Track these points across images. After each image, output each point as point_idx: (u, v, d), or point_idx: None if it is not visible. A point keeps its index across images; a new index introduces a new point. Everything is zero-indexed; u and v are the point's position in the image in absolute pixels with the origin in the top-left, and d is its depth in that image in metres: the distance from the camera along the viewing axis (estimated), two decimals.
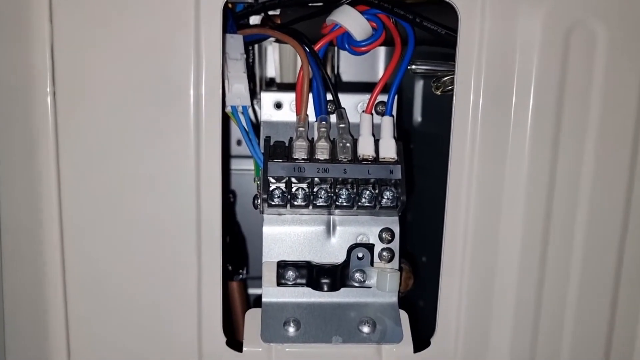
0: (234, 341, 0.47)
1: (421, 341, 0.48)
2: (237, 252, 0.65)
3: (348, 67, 0.75)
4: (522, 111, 0.46)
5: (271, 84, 0.73)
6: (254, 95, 0.51)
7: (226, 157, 0.71)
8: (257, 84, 0.65)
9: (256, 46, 0.66)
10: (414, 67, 0.51)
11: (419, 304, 0.63)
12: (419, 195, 0.63)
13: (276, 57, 0.67)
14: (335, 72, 0.73)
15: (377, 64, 0.76)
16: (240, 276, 0.65)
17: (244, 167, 0.71)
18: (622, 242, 0.48)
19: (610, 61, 0.45)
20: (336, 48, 0.54)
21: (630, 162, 0.47)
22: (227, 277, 0.65)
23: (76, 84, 0.44)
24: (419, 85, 0.72)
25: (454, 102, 0.46)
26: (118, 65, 0.43)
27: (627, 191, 0.47)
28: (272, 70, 0.73)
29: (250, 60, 0.66)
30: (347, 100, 0.50)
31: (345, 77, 0.75)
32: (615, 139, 0.46)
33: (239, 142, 0.73)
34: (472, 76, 0.45)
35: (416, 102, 0.73)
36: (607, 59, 0.45)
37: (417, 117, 0.73)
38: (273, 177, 0.46)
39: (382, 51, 0.75)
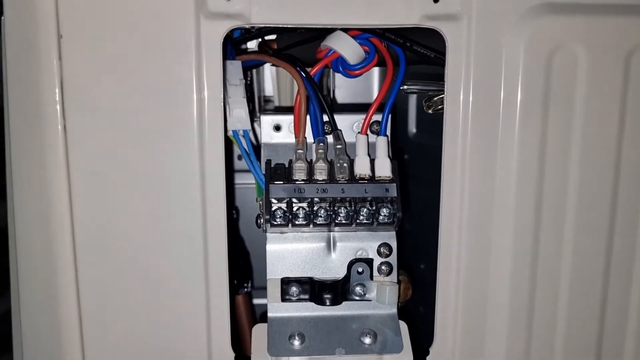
0: (242, 356, 0.50)
1: (421, 350, 0.50)
2: (242, 266, 0.67)
3: (344, 87, 0.77)
4: (509, 127, 0.48)
5: (268, 102, 0.75)
6: (253, 114, 0.53)
7: (230, 172, 0.73)
8: (256, 103, 0.67)
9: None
10: (405, 87, 0.54)
11: (419, 310, 0.65)
12: (415, 204, 0.65)
13: (274, 80, 0.69)
14: (331, 94, 0.75)
15: (371, 83, 0.78)
16: (245, 289, 0.67)
17: (245, 181, 0.73)
18: (611, 235, 0.51)
19: (592, 81, 0.47)
20: (331, 70, 0.56)
21: (616, 153, 0.50)
22: (233, 291, 0.67)
23: (86, 115, 0.46)
24: (412, 98, 0.74)
25: (444, 120, 0.48)
26: (123, 93, 0.46)
27: (612, 195, 0.50)
28: (269, 88, 0.75)
29: (248, 80, 0.68)
30: (343, 121, 0.53)
31: (341, 97, 0.77)
32: (599, 153, 0.49)
33: (239, 157, 0.75)
34: (461, 96, 0.47)
35: (410, 114, 0.75)
36: (588, 78, 0.47)
37: (412, 128, 0.75)
38: (275, 199, 0.48)
39: (376, 71, 0.77)
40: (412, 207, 0.66)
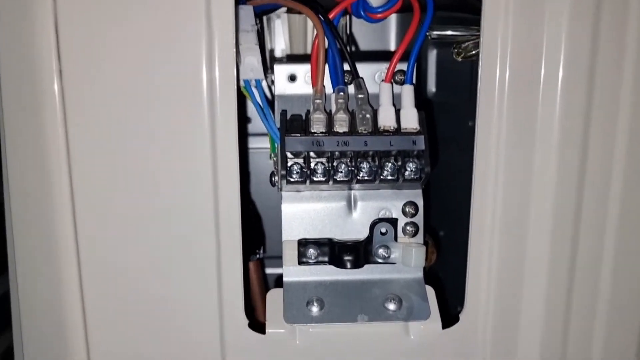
0: (256, 323, 0.46)
1: (449, 316, 0.47)
2: (253, 231, 0.64)
3: (358, 37, 0.72)
4: (552, 82, 0.43)
5: (280, 58, 0.70)
6: (265, 69, 0.49)
7: (243, 135, 0.69)
8: (267, 57, 0.63)
9: (264, 19, 0.64)
10: (433, 33, 0.49)
11: (439, 276, 0.62)
12: (436, 169, 0.61)
13: (285, 29, 0.64)
14: (349, 41, 0.70)
15: (388, 32, 0.73)
16: (257, 256, 0.63)
17: (257, 145, 0.70)
18: None
19: None
20: (348, 17, 0.52)
21: None
22: (244, 257, 0.63)
23: (84, 68, 0.42)
24: (432, 55, 0.70)
25: (479, 72, 0.43)
26: (127, 48, 0.41)
27: None
28: (280, 43, 0.70)
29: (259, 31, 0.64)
30: (364, 70, 0.48)
31: (356, 46, 0.72)
32: None
33: (249, 120, 0.71)
34: (499, 43, 0.43)
35: (430, 72, 0.70)
36: None
37: (432, 87, 0.70)
38: (291, 153, 0.44)
39: (393, 19, 0.72)
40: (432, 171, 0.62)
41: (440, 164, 0.59)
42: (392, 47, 0.74)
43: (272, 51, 0.70)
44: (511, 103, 0.44)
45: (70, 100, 0.42)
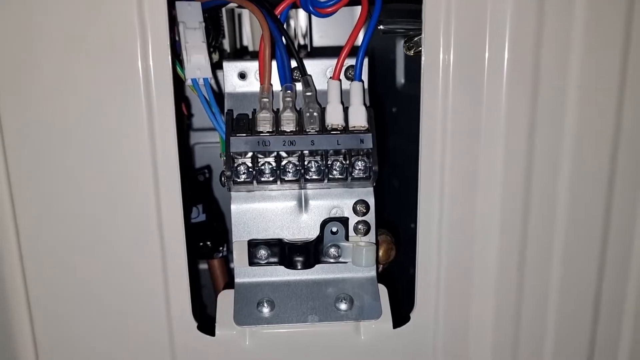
0: (208, 325, 0.46)
1: (402, 316, 0.46)
2: (216, 229, 0.63)
3: (324, 31, 0.71)
4: (497, 65, 0.42)
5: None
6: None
7: (185, 129, 0.68)
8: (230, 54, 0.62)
9: (230, 13, 0.63)
10: (382, 27, 0.48)
11: (410, 272, 0.61)
12: (405, 160, 0.61)
13: (247, 25, 0.63)
14: (308, 38, 0.69)
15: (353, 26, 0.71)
16: (221, 254, 0.63)
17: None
18: (609, 196, 0.45)
19: (592, 3, 0.41)
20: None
21: (616, 112, 0.44)
22: (208, 255, 0.63)
23: (16, 65, 0.41)
24: (400, 45, 0.68)
25: (422, 61, 0.42)
26: (58, 45, 0.40)
27: (612, 146, 0.44)
28: (246, 40, 0.69)
29: (223, 27, 0.63)
30: (315, 67, 0.47)
31: (322, 42, 0.71)
32: (597, 88, 0.43)
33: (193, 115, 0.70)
34: (441, 32, 0.42)
35: (399, 63, 0.69)
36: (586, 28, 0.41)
37: (400, 79, 0.69)
38: (237, 153, 0.43)
39: (358, 11, 0.71)
40: (401, 162, 0.61)
41: (411, 157, 0.58)
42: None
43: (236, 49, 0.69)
44: (456, 90, 0.43)
45: (3, 100, 0.41)
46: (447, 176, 0.44)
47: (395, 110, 0.69)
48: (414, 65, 0.66)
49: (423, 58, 0.42)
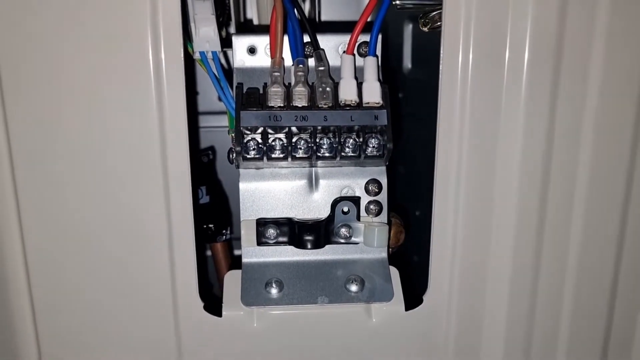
0: (215, 305, 0.44)
1: (414, 298, 0.45)
2: (220, 211, 0.62)
3: (332, 5, 0.69)
4: (518, 61, 0.41)
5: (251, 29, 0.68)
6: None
7: (194, 111, 0.67)
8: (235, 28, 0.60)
9: None
10: (397, 2, 0.47)
11: (414, 259, 0.60)
12: (412, 146, 0.59)
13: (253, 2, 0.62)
14: (317, 11, 0.67)
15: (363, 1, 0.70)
16: (224, 237, 0.62)
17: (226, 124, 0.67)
18: (627, 197, 0.45)
19: (615, 3, 0.40)
20: None
21: (635, 119, 0.43)
22: (211, 238, 0.61)
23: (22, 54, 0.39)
24: (408, 29, 0.67)
25: (441, 47, 0.41)
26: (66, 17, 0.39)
27: (631, 151, 0.44)
28: (251, 13, 0.68)
29: (228, 2, 0.61)
30: (327, 42, 0.46)
31: (329, 16, 0.70)
32: (619, 92, 0.42)
33: (219, 98, 0.69)
34: (462, 13, 0.41)
35: (406, 47, 0.68)
36: (612, 1, 0.40)
37: (407, 63, 0.68)
38: (247, 128, 0.42)
39: None
40: (407, 149, 0.60)
41: (418, 143, 0.57)
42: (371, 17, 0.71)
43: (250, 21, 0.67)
44: (475, 82, 0.42)
45: (8, 90, 0.40)
46: (464, 163, 0.43)
47: (402, 96, 0.68)
48: (421, 50, 0.65)
49: (442, 54, 0.41)
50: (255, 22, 0.62)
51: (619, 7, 0.41)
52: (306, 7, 0.67)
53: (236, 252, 0.66)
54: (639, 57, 0.42)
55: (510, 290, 0.45)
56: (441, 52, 0.42)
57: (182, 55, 0.40)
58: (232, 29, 0.64)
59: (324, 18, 0.68)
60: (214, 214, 0.61)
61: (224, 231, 0.61)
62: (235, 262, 0.66)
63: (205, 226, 0.60)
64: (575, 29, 0.41)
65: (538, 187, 0.43)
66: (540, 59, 0.41)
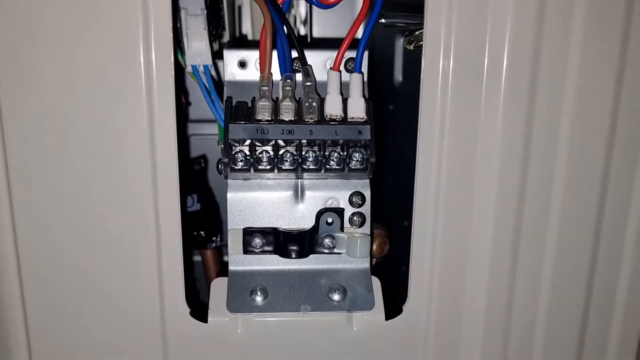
0: (201, 311, 0.46)
1: (395, 307, 0.47)
2: (210, 219, 0.63)
3: (323, 23, 0.71)
4: (496, 71, 0.43)
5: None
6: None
7: (184, 120, 0.68)
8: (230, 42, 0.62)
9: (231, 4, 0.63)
10: (383, 20, 0.48)
11: (401, 270, 0.61)
12: (401, 157, 0.61)
13: (247, 13, 0.63)
14: (309, 28, 0.69)
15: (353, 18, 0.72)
16: (214, 244, 0.63)
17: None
18: (602, 198, 0.46)
19: (590, 15, 0.42)
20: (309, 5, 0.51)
21: (611, 123, 0.44)
22: (201, 245, 0.63)
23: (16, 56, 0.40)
24: (399, 43, 0.69)
25: (422, 60, 0.43)
26: (58, 33, 0.40)
27: (606, 154, 0.45)
28: (246, 28, 0.69)
29: (223, 14, 0.63)
30: (315, 58, 0.47)
31: (321, 33, 0.71)
32: (594, 96, 0.43)
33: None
34: (442, 30, 0.42)
35: (397, 61, 0.69)
36: (587, 12, 0.42)
37: (398, 76, 0.70)
38: (235, 140, 0.43)
39: (359, 3, 0.71)
40: (396, 160, 0.62)
41: (407, 154, 0.59)
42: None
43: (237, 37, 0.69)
44: (454, 92, 0.43)
45: (3, 94, 0.41)
46: (443, 171, 0.44)
47: (392, 108, 0.69)
48: (412, 64, 0.66)
49: (423, 63, 0.43)
50: (250, 37, 0.63)
51: (594, 15, 0.42)
52: (298, 24, 0.68)
53: (226, 259, 0.67)
54: (613, 63, 0.43)
55: (487, 299, 0.46)
56: (422, 63, 0.43)
57: (172, 64, 0.41)
58: (226, 39, 0.66)
59: (315, 35, 0.70)
60: (205, 221, 0.62)
61: (214, 238, 0.63)
62: (225, 269, 0.67)
63: (195, 233, 0.62)
64: (553, 37, 0.42)
65: (515, 196, 0.45)
66: (518, 67, 0.43)
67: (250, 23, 0.62)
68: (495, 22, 0.42)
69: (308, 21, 0.67)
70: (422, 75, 0.43)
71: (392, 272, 0.54)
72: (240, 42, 0.67)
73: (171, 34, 0.41)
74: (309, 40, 0.69)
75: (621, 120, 0.44)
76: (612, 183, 0.45)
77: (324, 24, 0.71)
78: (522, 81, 0.43)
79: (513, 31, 0.42)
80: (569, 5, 0.42)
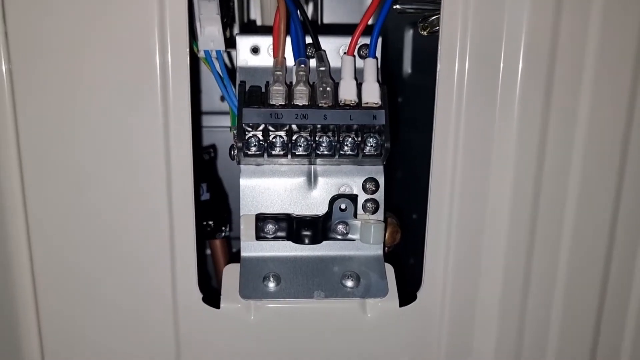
0: (213, 298, 0.45)
1: (409, 295, 0.46)
2: (219, 208, 0.63)
3: (335, 8, 0.71)
4: (511, 70, 0.43)
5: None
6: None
7: (198, 110, 0.68)
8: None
9: None
10: (398, 6, 0.48)
11: (410, 262, 0.61)
12: (410, 150, 0.61)
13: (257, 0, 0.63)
14: (320, 14, 0.69)
15: (365, 2, 0.71)
16: (223, 234, 0.63)
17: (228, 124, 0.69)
18: (617, 199, 0.46)
19: (607, 16, 0.42)
20: None
21: (625, 127, 0.44)
22: (210, 234, 0.62)
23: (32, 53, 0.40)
24: (408, 35, 0.68)
25: (439, 52, 0.42)
26: (75, 33, 0.40)
27: (621, 159, 0.45)
28: (254, 14, 0.69)
29: (232, 5, 0.62)
30: (329, 44, 0.47)
31: (331, 19, 0.71)
32: (610, 101, 0.43)
33: (222, 98, 0.70)
34: (459, 21, 0.42)
35: (406, 52, 0.69)
36: (603, 14, 0.41)
37: (407, 68, 0.69)
38: (248, 125, 0.43)
39: None
40: (405, 153, 0.61)
41: (416, 147, 0.58)
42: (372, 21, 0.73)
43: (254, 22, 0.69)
44: (470, 89, 0.43)
45: (19, 95, 0.41)
46: (459, 166, 0.44)
47: (401, 100, 0.69)
48: (421, 56, 0.66)
49: (439, 62, 0.43)
50: (259, 23, 0.63)
51: (611, 18, 0.42)
52: (309, 10, 0.68)
53: (234, 250, 0.67)
54: (629, 68, 0.43)
55: (502, 289, 0.46)
56: (438, 60, 0.43)
57: (187, 56, 0.41)
58: (236, 30, 0.66)
59: (326, 21, 0.70)
60: (214, 211, 0.62)
61: (223, 228, 0.62)
62: (233, 260, 0.67)
63: (205, 222, 0.61)
64: (569, 39, 0.42)
65: (530, 192, 0.44)
66: (534, 68, 0.42)
67: (260, 9, 0.62)
68: (511, 20, 0.42)
69: (318, 6, 0.67)
70: (437, 74, 0.43)
71: (401, 263, 0.54)
72: (249, 28, 0.67)
73: (187, 21, 0.41)
74: (319, 24, 0.69)
75: (637, 122, 0.44)
76: (627, 183, 0.45)
77: (335, 10, 0.70)
78: (539, 79, 0.42)
79: (529, 30, 0.42)
80: (585, 7, 0.41)
